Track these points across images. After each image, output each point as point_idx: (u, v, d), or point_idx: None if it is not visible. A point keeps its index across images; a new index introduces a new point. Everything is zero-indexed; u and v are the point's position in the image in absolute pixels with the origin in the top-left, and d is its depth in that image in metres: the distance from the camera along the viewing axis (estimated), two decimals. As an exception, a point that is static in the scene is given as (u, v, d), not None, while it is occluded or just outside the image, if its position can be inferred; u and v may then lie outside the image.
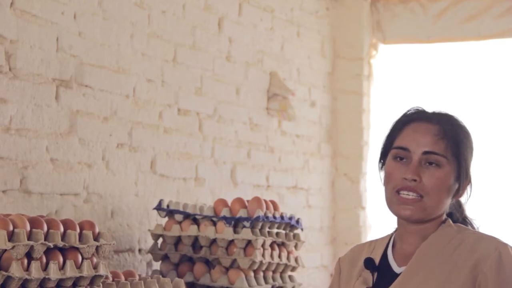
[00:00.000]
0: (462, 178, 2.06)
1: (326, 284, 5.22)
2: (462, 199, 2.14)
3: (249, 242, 3.35)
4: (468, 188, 2.10)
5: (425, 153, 2.04)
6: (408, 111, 2.14)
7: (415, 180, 2.02)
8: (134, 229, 3.66)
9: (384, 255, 2.13)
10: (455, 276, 1.98)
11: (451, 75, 5.45)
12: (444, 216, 2.10)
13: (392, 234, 2.17)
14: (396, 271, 2.08)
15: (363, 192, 5.42)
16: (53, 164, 3.22)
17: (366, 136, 5.47)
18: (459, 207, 2.15)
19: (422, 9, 5.37)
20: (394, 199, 2.05)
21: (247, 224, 3.34)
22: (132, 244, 3.64)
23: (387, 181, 2.08)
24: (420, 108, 2.14)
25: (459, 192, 2.08)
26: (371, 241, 2.22)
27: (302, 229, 3.68)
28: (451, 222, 2.09)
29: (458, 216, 2.15)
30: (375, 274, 2.10)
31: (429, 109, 2.16)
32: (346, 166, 5.44)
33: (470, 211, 2.20)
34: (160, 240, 3.53)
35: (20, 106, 3.07)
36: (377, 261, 2.12)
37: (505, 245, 2.01)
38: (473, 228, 2.16)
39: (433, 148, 2.04)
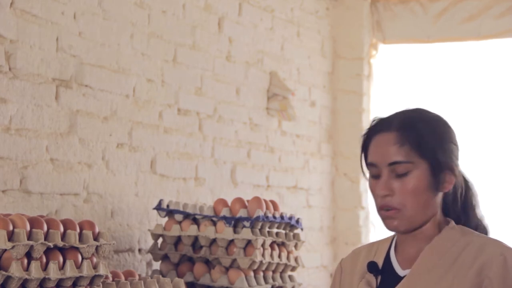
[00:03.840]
0: (438, 172, 2.02)
1: (326, 284, 5.22)
2: (458, 193, 2.10)
3: (249, 242, 3.36)
4: (453, 176, 2.05)
5: (390, 164, 2.01)
6: (371, 123, 2.11)
7: (388, 195, 2.01)
8: (134, 229, 3.66)
9: (387, 258, 2.12)
10: (460, 281, 1.96)
11: (451, 75, 5.45)
12: (438, 213, 2.07)
13: (393, 236, 2.16)
14: (400, 274, 2.07)
15: (363, 192, 5.42)
16: (53, 164, 3.22)
17: (366, 136, 5.46)
18: (453, 201, 2.11)
19: (422, 9, 5.37)
20: (380, 215, 2.07)
21: (247, 224, 3.34)
22: (132, 244, 3.64)
23: (373, 198, 2.09)
24: (379, 118, 2.10)
25: (443, 185, 2.04)
26: (372, 243, 2.21)
27: (302, 229, 3.68)
28: (454, 224, 2.07)
29: (455, 210, 2.12)
30: (379, 277, 2.09)
31: (394, 111, 2.11)
32: (346, 166, 5.44)
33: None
34: (160, 240, 3.53)
35: (20, 106, 3.07)
36: (380, 264, 2.11)
37: (510, 249, 1.99)
38: (479, 220, 2.12)
39: (396, 158, 2.01)
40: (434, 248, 2.04)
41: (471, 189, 2.15)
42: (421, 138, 2.01)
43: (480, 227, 2.13)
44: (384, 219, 2.04)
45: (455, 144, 2.08)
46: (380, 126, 2.07)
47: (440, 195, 2.06)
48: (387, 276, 2.08)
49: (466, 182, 2.14)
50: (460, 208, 2.12)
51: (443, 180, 2.04)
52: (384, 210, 2.03)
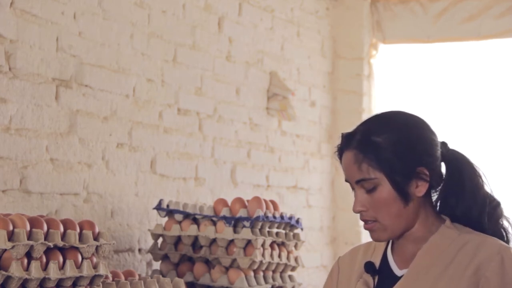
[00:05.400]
0: (403, 179, 1.99)
1: (326, 284, 5.22)
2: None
3: (249, 242, 3.36)
4: (422, 181, 2.00)
5: (357, 182, 2.01)
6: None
7: (362, 211, 2.01)
8: (134, 229, 3.66)
9: (384, 258, 2.11)
10: (457, 280, 1.95)
11: (451, 75, 5.45)
12: (429, 212, 2.04)
13: None
14: (397, 274, 2.06)
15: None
16: (53, 164, 3.22)
17: (366, 136, 5.46)
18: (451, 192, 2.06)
19: (422, 9, 5.37)
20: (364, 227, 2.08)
21: (247, 224, 3.35)
22: (132, 244, 3.64)
23: None
24: (343, 134, 2.07)
25: (415, 191, 2.00)
26: (370, 242, 2.19)
27: (302, 229, 3.68)
28: (449, 222, 2.06)
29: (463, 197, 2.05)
30: (376, 277, 2.09)
31: (360, 121, 2.09)
32: (346, 166, 5.42)
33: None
34: (160, 240, 3.53)
35: (20, 106, 3.07)
36: (377, 263, 2.11)
37: (507, 248, 1.98)
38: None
39: (359, 175, 2.00)
40: (431, 247, 2.03)
41: (467, 171, 2.07)
42: (377, 153, 1.98)
43: (491, 202, 2.07)
44: (367, 230, 2.06)
45: (423, 144, 2.02)
46: (344, 143, 2.05)
47: (419, 199, 2.02)
48: (384, 276, 2.08)
49: (459, 165, 2.07)
50: (468, 193, 2.05)
51: (413, 186, 2.01)
52: (364, 223, 2.04)
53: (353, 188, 2.05)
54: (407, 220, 2.03)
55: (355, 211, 2.03)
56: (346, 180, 2.06)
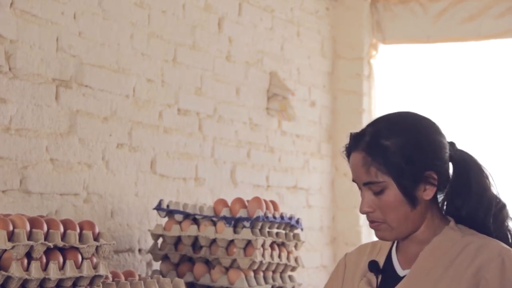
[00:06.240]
0: (411, 184, 1.98)
1: (326, 284, 5.21)
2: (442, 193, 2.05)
3: (249, 242, 3.35)
4: (430, 185, 1.99)
5: (365, 184, 2.01)
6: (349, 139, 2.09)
7: (369, 212, 2.01)
8: (134, 229, 3.66)
9: (389, 257, 2.12)
10: (457, 282, 1.95)
11: (451, 75, 5.45)
12: (434, 214, 2.04)
13: None
14: (400, 273, 2.07)
15: (363, 192, 5.41)
16: (53, 164, 3.22)
17: (366, 136, 5.46)
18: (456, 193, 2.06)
19: (422, 9, 5.37)
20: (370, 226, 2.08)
21: (247, 224, 3.34)
22: (132, 244, 3.64)
23: None
24: (352, 134, 2.07)
25: (423, 195, 2.00)
26: (377, 241, 2.20)
27: (302, 229, 3.68)
28: (453, 224, 2.05)
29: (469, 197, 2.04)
30: (380, 277, 2.09)
31: (369, 121, 2.09)
32: (346, 166, 5.37)
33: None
34: (160, 240, 3.53)
35: (20, 106, 3.07)
36: (381, 263, 2.11)
37: (509, 250, 1.97)
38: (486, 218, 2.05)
39: (367, 178, 2.00)
40: (433, 248, 2.02)
41: (475, 172, 2.07)
42: (386, 157, 1.98)
43: (497, 204, 2.06)
44: (373, 229, 2.06)
45: (432, 148, 2.01)
46: (352, 144, 2.05)
47: (426, 202, 2.02)
48: (387, 275, 2.08)
49: (465, 166, 2.06)
50: (474, 195, 2.05)
51: (421, 190, 2.00)
52: (370, 223, 2.04)
53: (360, 188, 2.05)
54: (414, 223, 2.03)
55: (362, 212, 2.03)
56: (353, 180, 2.06)
